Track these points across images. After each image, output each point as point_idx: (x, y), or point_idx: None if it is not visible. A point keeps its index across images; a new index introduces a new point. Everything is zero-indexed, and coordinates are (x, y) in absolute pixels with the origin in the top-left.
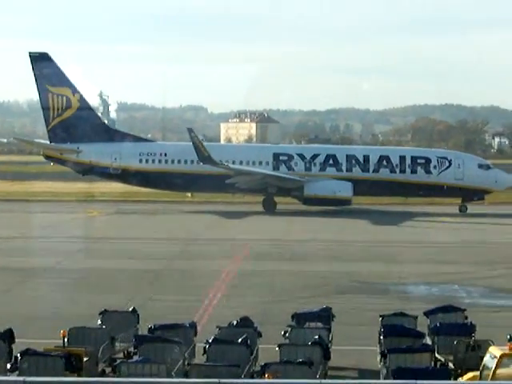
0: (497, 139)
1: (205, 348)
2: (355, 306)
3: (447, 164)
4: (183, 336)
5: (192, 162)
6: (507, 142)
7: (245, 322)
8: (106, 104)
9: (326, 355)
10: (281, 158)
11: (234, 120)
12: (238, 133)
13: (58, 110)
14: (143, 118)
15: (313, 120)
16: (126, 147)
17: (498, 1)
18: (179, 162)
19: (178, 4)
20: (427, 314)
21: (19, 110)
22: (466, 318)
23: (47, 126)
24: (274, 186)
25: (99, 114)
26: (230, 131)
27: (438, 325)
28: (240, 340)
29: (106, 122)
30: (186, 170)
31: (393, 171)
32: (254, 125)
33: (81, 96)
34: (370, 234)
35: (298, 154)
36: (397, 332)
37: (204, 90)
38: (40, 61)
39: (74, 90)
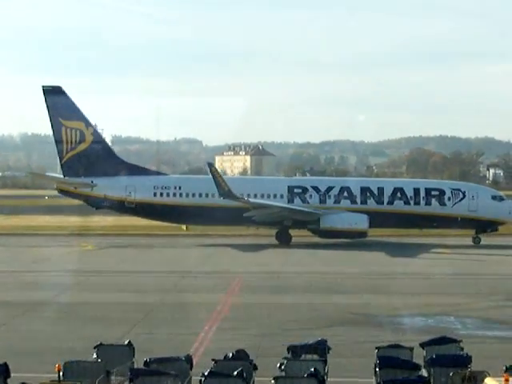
0: (492, 170)
1: (200, 381)
2: (352, 338)
3: (461, 196)
4: (179, 369)
5: (207, 195)
6: (502, 174)
7: (240, 355)
8: None
9: None
10: (295, 190)
11: (229, 153)
12: (233, 165)
13: (71, 143)
14: (138, 150)
15: (307, 152)
16: (140, 181)
17: (490, 35)
18: (194, 195)
19: (171, 39)
20: (423, 345)
21: (13, 144)
22: (462, 349)
23: (61, 160)
24: (290, 219)
25: None
26: (225, 164)
27: (433, 356)
28: (236, 373)
29: None
30: (201, 204)
31: (407, 203)
32: (248, 157)
33: (94, 130)
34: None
35: (313, 187)
36: (392, 364)
37: (198, 123)
38: (53, 94)
39: (88, 124)
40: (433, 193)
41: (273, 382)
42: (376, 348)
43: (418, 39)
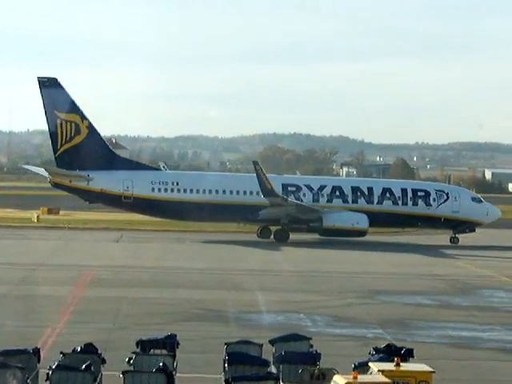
0: (345, 169)
1: (48, 374)
2: (201, 333)
3: (445, 197)
4: (26, 362)
5: (204, 191)
6: (355, 172)
7: (89, 349)
8: None
9: (171, 382)
10: (289, 188)
11: None
12: None
13: (66, 136)
14: None
15: (161, 147)
16: (138, 175)
17: (347, 35)
18: (191, 191)
19: (25, 27)
20: (272, 342)
21: None
22: (312, 346)
23: (55, 152)
24: (291, 217)
25: None
26: None
27: (283, 353)
28: (84, 366)
29: None
30: (199, 200)
31: (395, 203)
32: None
33: (89, 123)
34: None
35: (306, 185)
36: (241, 360)
37: None
38: (49, 86)
39: (83, 117)
40: (419, 194)
41: (121, 376)
42: (225, 344)
43: (276, 37)
